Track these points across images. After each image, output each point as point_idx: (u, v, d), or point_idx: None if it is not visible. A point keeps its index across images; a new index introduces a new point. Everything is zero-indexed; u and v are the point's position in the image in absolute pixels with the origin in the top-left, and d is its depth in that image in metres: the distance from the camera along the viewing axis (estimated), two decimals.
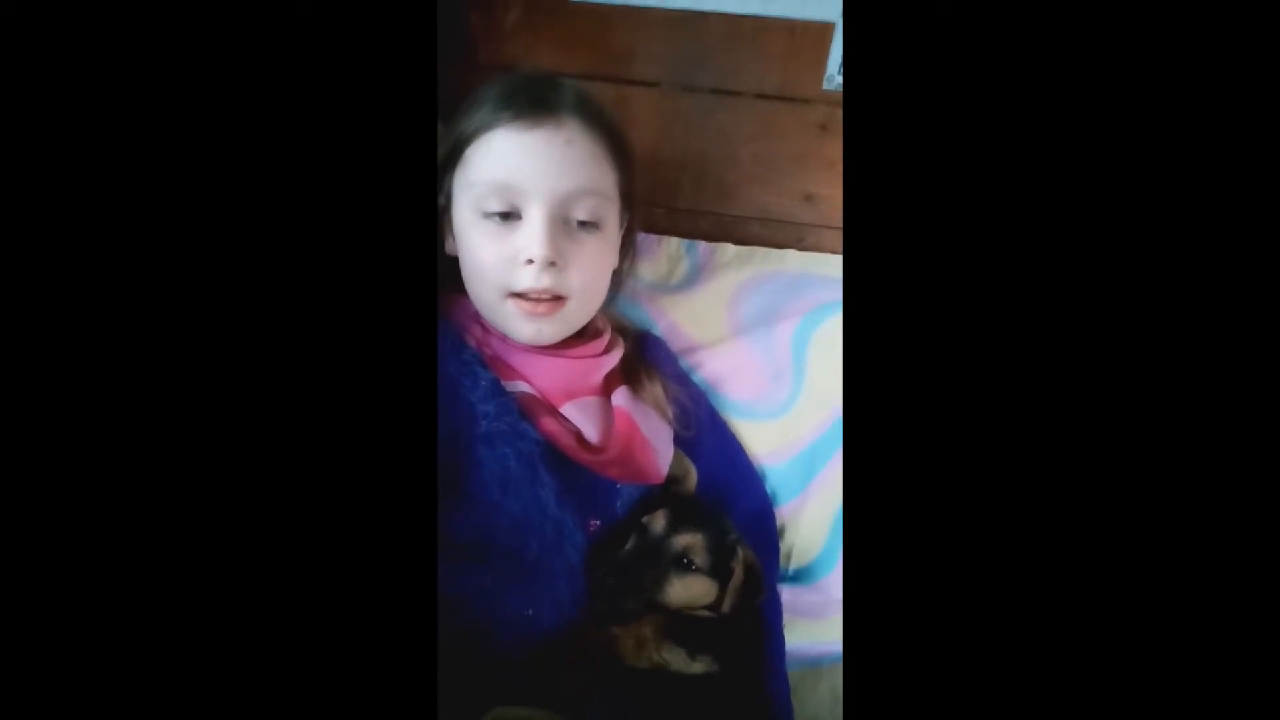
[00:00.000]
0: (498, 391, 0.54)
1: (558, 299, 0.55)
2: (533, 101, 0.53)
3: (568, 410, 0.57)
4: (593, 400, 0.59)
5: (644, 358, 0.67)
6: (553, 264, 0.53)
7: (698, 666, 0.53)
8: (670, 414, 0.64)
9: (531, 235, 0.52)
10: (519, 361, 0.57)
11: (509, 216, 0.53)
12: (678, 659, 0.53)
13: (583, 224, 0.55)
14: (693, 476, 0.64)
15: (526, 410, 0.55)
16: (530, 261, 0.52)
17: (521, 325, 0.55)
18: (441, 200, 0.57)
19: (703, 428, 0.67)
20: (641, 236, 0.75)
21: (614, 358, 0.62)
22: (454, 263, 0.58)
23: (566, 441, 0.55)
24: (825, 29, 0.74)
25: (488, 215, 0.53)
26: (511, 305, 0.55)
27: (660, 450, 0.61)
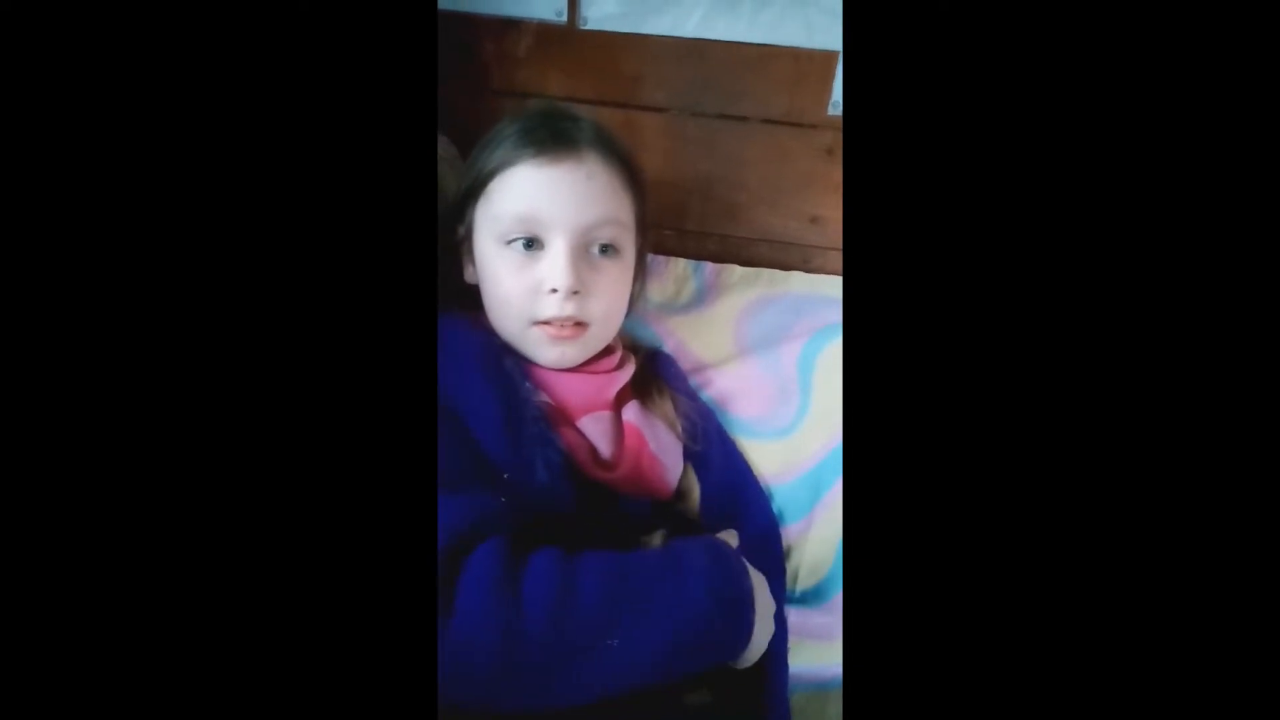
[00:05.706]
0: (530, 401, 0.55)
1: (580, 324, 0.57)
2: (554, 137, 0.56)
3: (583, 424, 0.58)
4: (605, 415, 0.60)
5: (655, 374, 0.69)
6: (576, 292, 0.55)
7: (694, 698, 0.52)
8: (679, 428, 0.65)
9: (555, 265, 0.55)
10: (538, 378, 0.58)
11: (532, 244, 0.55)
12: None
13: (603, 250, 0.57)
14: (695, 493, 0.64)
15: (552, 420, 0.56)
16: (554, 291, 0.55)
17: (546, 350, 0.58)
18: (461, 231, 0.60)
19: (711, 443, 0.68)
20: (650, 258, 0.76)
21: (626, 374, 0.63)
22: (473, 290, 0.60)
23: (583, 457, 0.56)
24: (830, 57, 0.75)
25: (510, 243, 0.56)
26: (536, 332, 0.57)
27: (669, 465, 0.61)
